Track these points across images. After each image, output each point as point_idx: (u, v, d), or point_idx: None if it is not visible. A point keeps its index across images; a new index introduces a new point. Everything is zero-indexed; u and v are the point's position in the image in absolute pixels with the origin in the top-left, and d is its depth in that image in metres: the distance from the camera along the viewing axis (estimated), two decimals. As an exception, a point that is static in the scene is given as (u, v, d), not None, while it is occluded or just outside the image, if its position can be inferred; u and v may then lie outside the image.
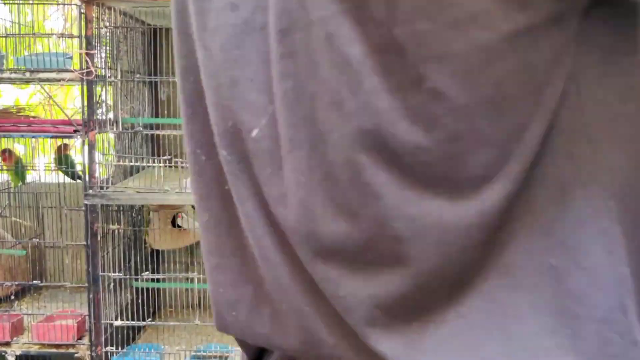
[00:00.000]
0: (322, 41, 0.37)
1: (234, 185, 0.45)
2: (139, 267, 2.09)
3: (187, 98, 0.48)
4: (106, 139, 1.95)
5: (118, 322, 1.86)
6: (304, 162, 0.39)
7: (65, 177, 2.20)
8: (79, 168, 2.14)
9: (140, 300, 1.96)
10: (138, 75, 2.01)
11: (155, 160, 1.93)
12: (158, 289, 2.20)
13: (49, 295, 2.23)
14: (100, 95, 1.78)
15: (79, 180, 2.15)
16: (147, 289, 2.02)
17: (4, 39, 1.99)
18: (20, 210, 2.24)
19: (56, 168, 2.12)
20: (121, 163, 1.91)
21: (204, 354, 1.87)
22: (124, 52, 1.91)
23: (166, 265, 2.31)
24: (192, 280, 1.92)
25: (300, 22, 0.38)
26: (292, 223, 0.41)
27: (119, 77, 1.85)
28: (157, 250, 2.24)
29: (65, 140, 2.10)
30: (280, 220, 0.42)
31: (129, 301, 2.00)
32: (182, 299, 2.30)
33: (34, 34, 2.17)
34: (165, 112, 2.21)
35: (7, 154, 2.06)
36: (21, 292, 2.18)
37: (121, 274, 1.85)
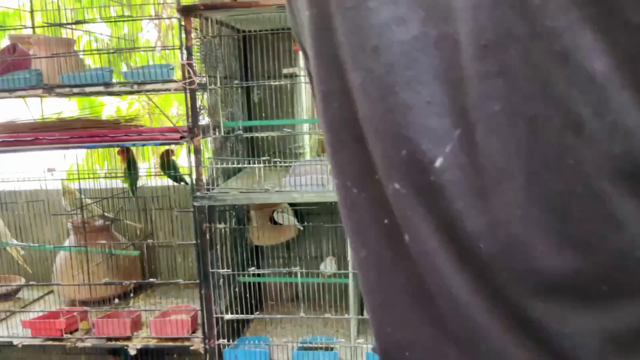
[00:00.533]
0: (554, 56, 0.33)
1: (409, 222, 0.41)
2: (244, 263, 2.19)
3: (331, 126, 0.45)
4: (208, 143, 2.05)
5: (228, 316, 1.95)
6: (520, 194, 0.36)
7: (171, 180, 2.33)
8: (182, 171, 2.27)
9: (248, 295, 2.06)
10: (236, 81, 2.10)
11: (255, 162, 2.02)
12: (261, 283, 2.29)
13: (161, 292, 2.38)
14: (202, 102, 1.88)
15: (182, 183, 2.27)
16: (252, 284, 2.11)
17: (109, 54, 2.12)
18: (132, 213, 2.40)
19: (162, 173, 2.24)
20: (223, 166, 2.01)
21: (310, 345, 1.93)
22: (220, 60, 2.01)
23: (268, 260, 2.41)
24: (294, 274, 1.99)
25: (518, 34, 0.34)
26: (501, 260, 0.37)
27: (218, 84, 1.94)
28: (259, 247, 2.34)
29: (168, 146, 2.22)
30: (483, 257, 0.38)
31: (237, 295, 2.10)
32: (285, 293, 2.39)
33: (134, 48, 2.30)
34: (260, 114, 2.30)
35: (124, 149, 2.19)
36: (137, 290, 2.33)
37: (229, 270, 1.95)
